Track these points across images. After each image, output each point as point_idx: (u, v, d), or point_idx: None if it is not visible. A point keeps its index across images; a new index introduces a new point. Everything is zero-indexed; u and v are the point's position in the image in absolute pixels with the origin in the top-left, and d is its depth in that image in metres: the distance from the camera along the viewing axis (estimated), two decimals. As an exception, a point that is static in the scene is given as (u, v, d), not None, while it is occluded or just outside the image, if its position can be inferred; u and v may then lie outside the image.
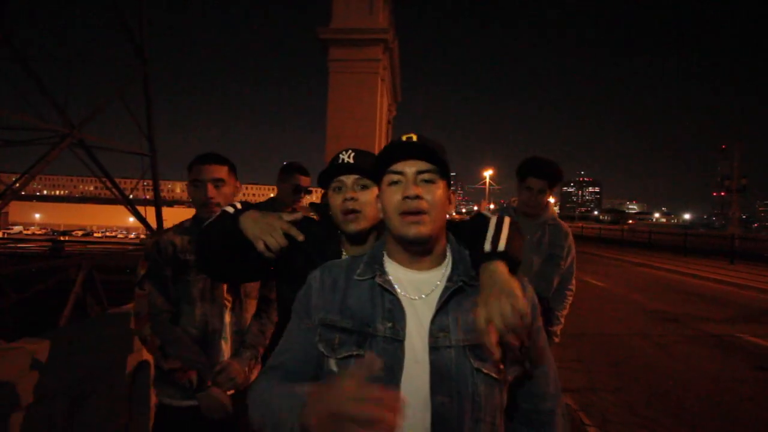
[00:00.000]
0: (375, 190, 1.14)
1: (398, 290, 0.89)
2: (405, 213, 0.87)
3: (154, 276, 1.53)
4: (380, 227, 1.21)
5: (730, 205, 23.85)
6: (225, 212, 1.14)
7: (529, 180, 2.29)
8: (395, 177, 0.90)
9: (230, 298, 1.63)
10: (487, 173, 47.18)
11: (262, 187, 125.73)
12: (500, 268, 0.88)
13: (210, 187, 1.56)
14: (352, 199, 1.14)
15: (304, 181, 2.53)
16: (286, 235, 1.08)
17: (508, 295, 0.79)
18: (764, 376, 4.42)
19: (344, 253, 1.22)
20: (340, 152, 1.19)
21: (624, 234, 25.25)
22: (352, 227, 1.14)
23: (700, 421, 3.40)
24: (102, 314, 1.74)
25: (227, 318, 1.61)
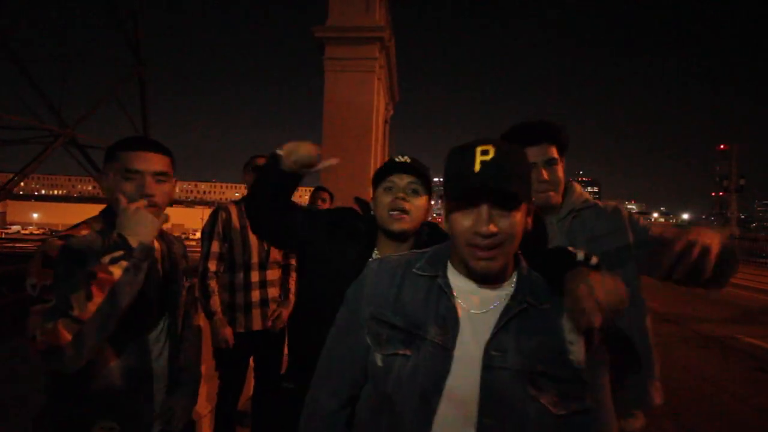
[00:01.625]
0: (426, 197, 1.23)
1: (457, 298, 0.84)
2: (475, 246, 0.79)
3: (63, 285, 1.02)
4: (420, 232, 1.28)
5: (729, 205, 23.84)
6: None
7: (527, 152, 1.32)
8: (466, 203, 0.80)
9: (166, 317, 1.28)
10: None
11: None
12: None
13: (150, 181, 1.16)
14: (403, 199, 1.18)
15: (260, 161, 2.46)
16: (319, 214, 1.29)
17: (607, 275, 0.77)
18: (764, 378, 4.39)
19: (376, 252, 1.26)
20: (396, 156, 1.24)
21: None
22: (397, 226, 1.19)
23: (699, 423, 3.36)
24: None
25: (154, 342, 1.23)
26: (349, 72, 9.32)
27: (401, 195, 1.18)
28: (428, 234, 1.31)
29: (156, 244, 1.27)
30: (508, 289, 0.85)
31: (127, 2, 11.02)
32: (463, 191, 0.78)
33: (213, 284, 2.24)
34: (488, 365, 0.79)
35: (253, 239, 2.32)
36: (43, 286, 1.03)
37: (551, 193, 1.34)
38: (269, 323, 2.36)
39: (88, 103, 10.70)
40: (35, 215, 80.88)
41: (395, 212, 1.18)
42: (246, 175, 2.43)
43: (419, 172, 1.20)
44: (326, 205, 3.29)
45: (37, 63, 10.92)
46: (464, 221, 0.79)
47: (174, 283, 1.32)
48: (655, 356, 1.45)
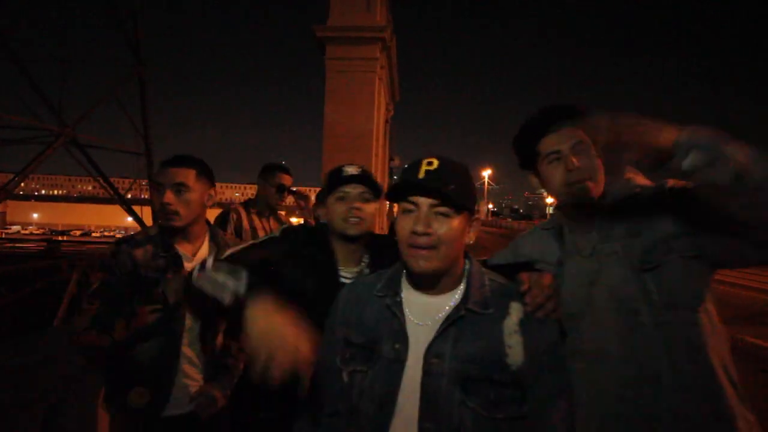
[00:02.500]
0: (374, 203, 1.30)
1: (407, 313, 0.92)
2: (413, 246, 0.87)
3: (107, 290, 1.36)
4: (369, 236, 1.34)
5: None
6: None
7: (546, 142, 1.11)
8: (409, 206, 0.89)
9: (193, 323, 1.46)
10: (486, 173, 47.24)
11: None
12: None
13: (169, 193, 1.39)
14: (358, 208, 1.27)
15: (287, 180, 2.51)
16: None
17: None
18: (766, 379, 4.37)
19: (340, 264, 1.30)
20: (346, 166, 1.32)
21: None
22: (354, 230, 1.27)
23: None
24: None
25: (188, 346, 1.46)
26: (350, 72, 9.30)
27: (357, 204, 1.26)
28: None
29: (198, 252, 1.51)
30: (454, 297, 0.92)
31: (127, 2, 11.02)
32: (406, 193, 0.89)
33: None
34: (427, 371, 0.86)
35: None
36: (94, 290, 1.33)
37: (588, 183, 1.05)
38: None
39: (88, 103, 10.72)
40: (35, 215, 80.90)
41: (353, 219, 1.25)
42: (264, 182, 2.49)
43: (369, 181, 1.29)
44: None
45: (37, 63, 10.93)
46: (406, 224, 0.88)
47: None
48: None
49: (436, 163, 0.89)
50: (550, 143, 1.08)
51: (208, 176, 1.50)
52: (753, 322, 6.88)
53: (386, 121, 17.42)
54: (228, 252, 1.19)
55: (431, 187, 0.86)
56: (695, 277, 1.02)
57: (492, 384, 0.83)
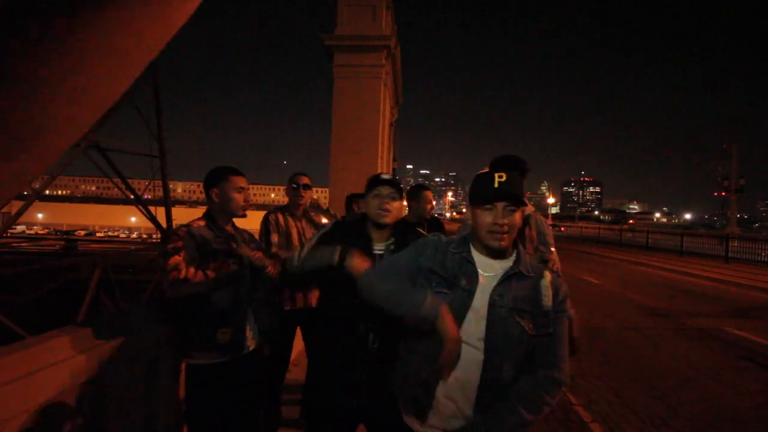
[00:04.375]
0: (400, 201, 1.77)
1: (477, 264, 1.37)
2: (493, 232, 1.33)
3: (189, 249, 1.84)
4: (397, 223, 1.82)
5: (730, 205, 23.97)
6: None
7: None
8: (488, 206, 1.33)
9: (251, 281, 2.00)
10: (488, 173, 47.25)
11: (263, 186, 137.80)
12: None
13: (244, 194, 2.03)
14: (387, 204, 1.73)
15: (302, 179, 2.96)
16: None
17: None
18: (746, 365, 4.73)
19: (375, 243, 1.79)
20: (382, 174, 1.84)
21: (622, 234, 25.39)
22: (384, 220, 1.73)
23: (687, 405, 3.71)
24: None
25: (247, 296, 1.98)
26: (356, 78, 9.71)
27: (386, 201, 1.71)
28: (429, 223, 1.89)
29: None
30: (509, 262, 1.38)
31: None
32: (487, 197, 1.32)
33: None
34: (492, 303, 1.32)
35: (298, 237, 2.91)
36: (175, 247, 1.81)
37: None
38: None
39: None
40: (40, 215, 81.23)
41: (382, 211, 1.70)
42: (287, 191, 3.01)
43: (396, 186, 1.75)
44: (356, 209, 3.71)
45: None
46: (486, 218, 1.32)
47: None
48: None
49: (505, 176, 1.31)
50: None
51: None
52: (742, 316, 7.22)
53: (391, 125, 17.79)
54: (312, 241, 1.80)
55: (507, 193, 1.29)
56: None
57: (533, 315, 1.30)
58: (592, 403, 3.68)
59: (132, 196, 10.03)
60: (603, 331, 6.04)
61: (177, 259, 1.79)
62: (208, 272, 1.81)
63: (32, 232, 67.30)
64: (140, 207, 10.05)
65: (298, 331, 2.97)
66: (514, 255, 1.39)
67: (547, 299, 1.35)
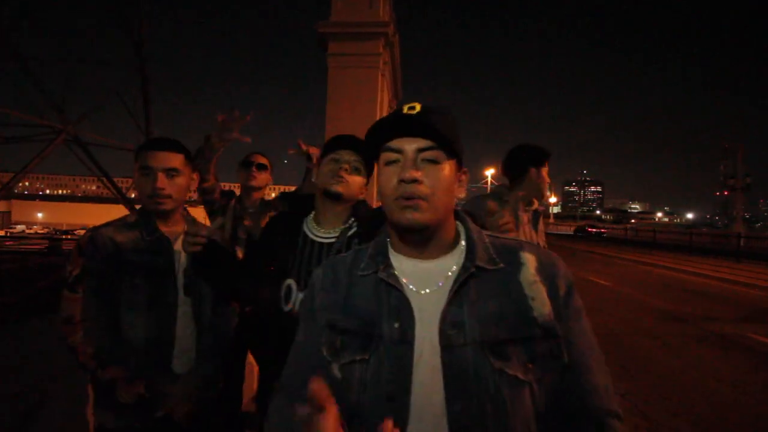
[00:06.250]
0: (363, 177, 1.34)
1: (405, 283, 0.79)
2: (401, 198, 0.76)
3: (89, 276, 1.30)
4: (356, 206, 1.37)
5: (734, 204, 23.64)
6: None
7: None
8: (393, 156, 0.79)
9: (190, 303, 1.40)
10: (489, 172, 47.06)
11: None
12: None
13: (161, 176, 1.35)
14: (345, 170, 1.31)
15: (256, 157, 2.38)
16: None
17: None
18: (776, 378, 4.28)
19: (311, 219, 1.37)
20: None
21: (627, 233, 25.05)
22: (337, 188, 1.30)
23: (705, 420, 3.26)
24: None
25: (181, 328, 1.37)
26: (352, 68, 9.24)
27: (344, 168, 1.30)
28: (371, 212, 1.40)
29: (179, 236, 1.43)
30: (456, 258, 0.81)
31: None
32: (386, 137, 0.78)
33: None
34: (446, 345, 0.72)
35: None
36: (76, 276, 1.29)
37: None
38: None
39: (91, 101, 10.66)
40: (40, 215, 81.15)
41: (335, 177, 1.29)
42: (238, 171, 2.39)
43: (362, 153, 1.33)
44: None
45: (40, 61, 10.90)
46: (392, 177, 0.77)
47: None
48: None
49: (418, 106, 0.77)
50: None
51: (191, 160, 1.47)
52: (760, 321, 6.77)
53: (389, 119, 17.36)
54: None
55: (417, 121, 0.75)
56: None
57: (524, 342, 0.72)
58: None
59: (117, 193, 9.61)
60: (619, 339, 5.57)
61: (72, 304, 1.27)
62: (109, 370, 1.25)
63: (32, 231, 67.22)
64: (126, 204, 9.62)
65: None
66: (463, 241, 0.83)
67: (540, 302, 0.75)
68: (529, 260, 0.80)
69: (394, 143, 0.78)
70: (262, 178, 2.35)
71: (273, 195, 2.53)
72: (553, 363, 0.73)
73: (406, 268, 0.81)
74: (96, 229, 1.37)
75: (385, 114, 12.41)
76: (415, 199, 0.74)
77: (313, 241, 1.30)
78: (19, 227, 69.36)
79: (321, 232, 1.32)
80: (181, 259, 1.41)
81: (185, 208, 1.50)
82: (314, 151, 2.13)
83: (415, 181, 0.74)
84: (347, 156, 1.31)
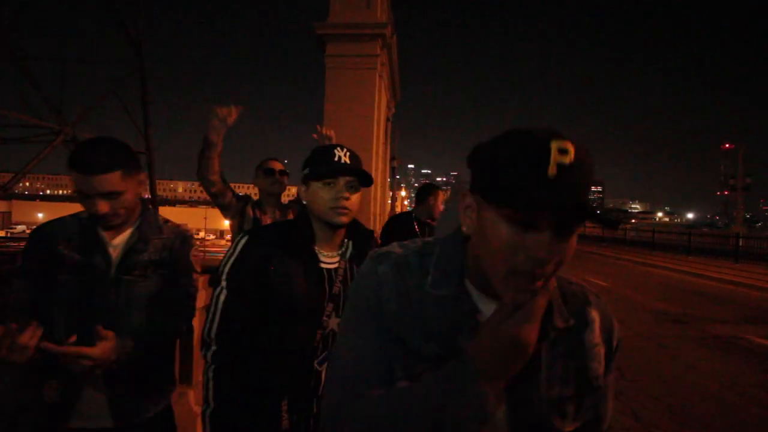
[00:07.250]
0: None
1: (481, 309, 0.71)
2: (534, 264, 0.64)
3: (28, 268, 1.30)
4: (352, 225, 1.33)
5: (735, 204, 23.59)
6: None
7: None
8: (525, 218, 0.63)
9: (117, 305, 1.31)
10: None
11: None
12: None
13: (102, 203, 1.23)
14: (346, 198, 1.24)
15: (275, 164, 2.44)
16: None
17: None
18: (774, 380, 4.27)
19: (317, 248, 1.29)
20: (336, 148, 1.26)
21: (627, 234, 25.05)
22: (340, 220, 1.24)
23: (705, 424, 3.26)
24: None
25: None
26: (350, 69, 9.21)
27: (344, 194, 1.23)
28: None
29: (117, 237, 1.35)
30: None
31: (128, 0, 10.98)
32: (528, 204, 0.56)
33: None
34: (519, 397, 0.69)
35: None
36: (16, 269, 1.28)
37: None
38: None
39: (90, 102, 10.69)
40: (40, 215, 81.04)
41: (338, 209, 1.23)
42: (258, 178, 2.44)
43: (359, 173, 1.26)
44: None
45: (38, 62, 10.90)
46: (523, 242, 0.60)
47: (131, 280, 1.35)
48: None
49: (572, 151, 0.59)
50: None
51: (133, 165, 1.31)
52: (758, 322, 6.76)
53: (387, 119, 17.35)
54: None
55: (568, 203, 0.60)
56: None
57: (578, 399, 0.72)
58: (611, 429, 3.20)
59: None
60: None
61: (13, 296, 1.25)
62: (50, 387, 1.24)
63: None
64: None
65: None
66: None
67: (599, 363, 0.73)
68: (596, 319, 0.76)
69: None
70: (285, 183, 2.47)
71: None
72: (589, 414, 0.74)
73: (486, 307, 0.72)
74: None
75: (382, 115, 12.38)
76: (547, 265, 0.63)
77: (321, 268, 1.25)
78: (20, 227, 69.32)
79: (324, 257, 1.27)
80: (114, 260, 1.32)
81: (149, 218, 1.40)
82: (332, 134, 2.40)
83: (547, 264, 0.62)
84: (344, 180, 1.23)
